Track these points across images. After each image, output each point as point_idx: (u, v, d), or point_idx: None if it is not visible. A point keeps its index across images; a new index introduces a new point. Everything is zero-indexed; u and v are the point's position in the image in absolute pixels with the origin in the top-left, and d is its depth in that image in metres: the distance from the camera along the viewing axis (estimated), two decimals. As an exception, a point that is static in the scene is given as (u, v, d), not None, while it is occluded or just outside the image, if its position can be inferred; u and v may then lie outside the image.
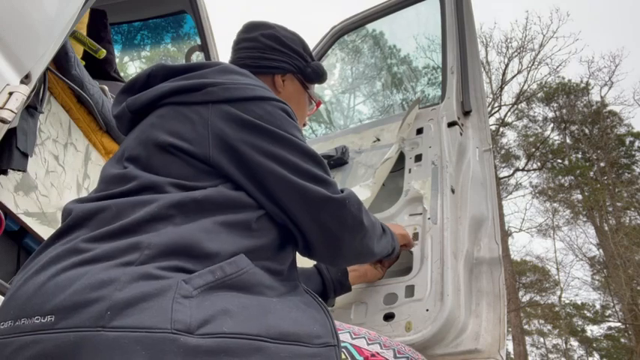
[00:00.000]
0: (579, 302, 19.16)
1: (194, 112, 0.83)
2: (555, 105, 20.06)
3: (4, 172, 1.27)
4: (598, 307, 18.95)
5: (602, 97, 19.48)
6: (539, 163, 19.84)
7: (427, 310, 1.37)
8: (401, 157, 1.88)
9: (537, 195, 19.74)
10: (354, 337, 1.11)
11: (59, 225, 1.60)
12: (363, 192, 1.65)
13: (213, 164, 0.80)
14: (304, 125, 1.23)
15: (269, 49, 1.10)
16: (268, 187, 0.80)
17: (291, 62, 1.12)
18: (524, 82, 19.05)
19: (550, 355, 20.04)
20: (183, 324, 0.59)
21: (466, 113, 1.89)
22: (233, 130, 0.81)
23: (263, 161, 0.80)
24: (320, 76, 1.17)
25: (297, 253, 0.91)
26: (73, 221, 0.74)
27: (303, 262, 1.04)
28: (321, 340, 0.71)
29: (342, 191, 0.87)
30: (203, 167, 0.80)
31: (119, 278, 0.61)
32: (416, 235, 1.57)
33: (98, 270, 0.62)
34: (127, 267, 0.63)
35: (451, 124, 1.82)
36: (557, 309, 18.85)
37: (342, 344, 1.07)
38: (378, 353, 1.07)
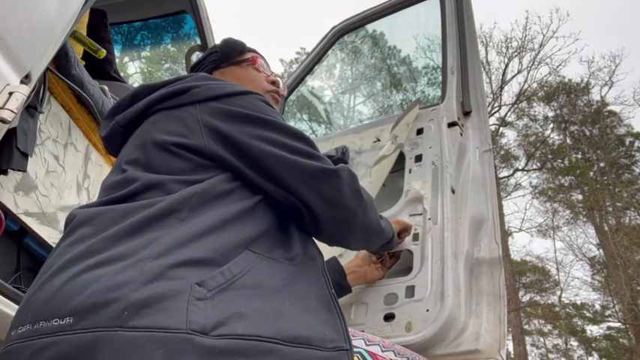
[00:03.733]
0: (579, 302, 19.18)
1: (184, 112, 0.88)
2: (556, 104, 20.06)
3: (4, 172, 1.27)
4: (598, 307, 18.96)
5: (602, 96, 19.49)
6: (539, 164, 19.84)
7: (427, 310, 1.36)
8: (401, 158, 1.88)
9: (537, 195, 19.75)
10: (368, 343, 1.11)
11: (59, 225, 1.60)
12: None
13: (210, 154, 0.83)
14: (281, 95, 1.24)
15: (203, 68, 1.22)
16: (266, 168, 0.84)
17: (211, 60, 1.22)
18: (524, 82, 19.07)
19: (550, 355, 20.05)
20: (198, 325, 0.60)
21: (466, 113, 1.89)
22: (223, 122, 0.86)
23: (257, 145, 0.84)
24: (232, 45, 1.23)
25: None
26: (79, 222, 0.76)
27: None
28: (334, 344, 0.72)
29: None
30: (200, 160, 0.83)
31: (135, 279, 0.62)
32: (416, 236, 1.57)
33: (114, 271, 0.64)
34: (142, 267, 0.64)
35: (451, 125, 1.82)
36: (557, 309, 18.84)
37: (357, 350, 1.08)
38: None
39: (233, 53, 1.22)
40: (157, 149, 0.85)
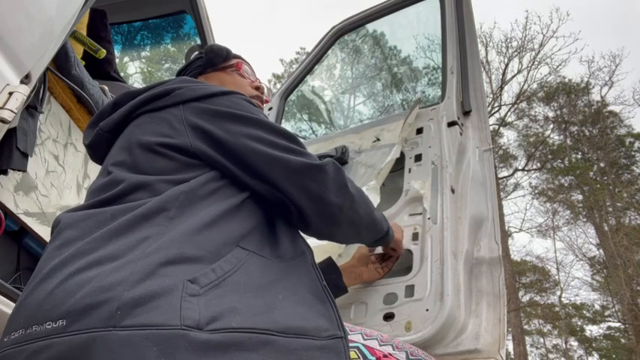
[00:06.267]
0: (579, 302, 19.16)
1: (168, 113, 0.89)
2: (556, 104, 20.06)
3: (4, 172, 1.27)
4: (597, 307, 18.95)
5: (602, 97, 19.49)
6: (539, 164, 19.84)
7: (427, 310, 1.36)
8: (401, 157, 1.88)
9: (537, 196, 19.74)
10: (365, 338, 1.11)
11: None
12: (372, 197, 1.64)
13: (196, 152, 0.84)
14: (265, 102, 1.27)
15: (189, 73, 1.25)
16: (251, 165, 0.85)
17: (196, 66, 1.24)
18: (524, 82, 19.06)
19: (550, 355, 20.03)
20: (192, 320, 0.60)
21: (466, 113, 1.89)
22: (207, 121, 0.86)
23: (242, 142, 0.85)
24: (217, 51, 1.24)
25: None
26: (65, 226, 0.76)
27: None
28: (328, 332, 0.73)
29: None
30: (185, 160, 0.84)
31: (127, 279, 0.62)
32: (416, 235, 1.57)
33: (106, 272, 0.64)
34: (133, 267, 0.64)
35: (451, 124, 1.82)
36: (557, 309, 18.84)
37: (354, 344, 1.08)
38: (390, 354, 1.07)
39: (218, 59, 1.24)
40: (143, 150, 0.85)
